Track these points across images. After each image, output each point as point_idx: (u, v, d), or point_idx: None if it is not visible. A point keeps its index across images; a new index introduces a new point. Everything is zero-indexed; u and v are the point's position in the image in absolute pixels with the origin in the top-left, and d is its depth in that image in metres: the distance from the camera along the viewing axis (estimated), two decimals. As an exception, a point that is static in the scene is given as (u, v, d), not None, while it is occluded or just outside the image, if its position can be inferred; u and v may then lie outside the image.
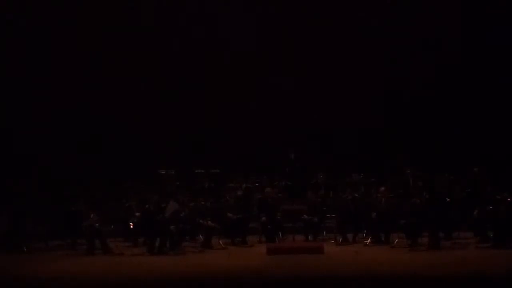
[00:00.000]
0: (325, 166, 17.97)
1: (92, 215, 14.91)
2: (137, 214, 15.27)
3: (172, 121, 19.62)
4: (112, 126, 19.35)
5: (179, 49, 19.80)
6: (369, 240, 15.21)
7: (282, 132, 19.39)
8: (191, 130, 19.63)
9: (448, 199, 15.26)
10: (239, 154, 18.90)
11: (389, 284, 11.84)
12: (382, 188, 15.69)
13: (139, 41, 19.70)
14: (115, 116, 19.38)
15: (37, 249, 15.23)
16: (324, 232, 16.05)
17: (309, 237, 15.68)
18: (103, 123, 19.39)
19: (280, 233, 15.82)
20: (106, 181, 17.49)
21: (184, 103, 19.69)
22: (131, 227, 15.46)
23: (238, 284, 12.10)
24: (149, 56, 19.61)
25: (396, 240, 14.92)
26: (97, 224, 14.82)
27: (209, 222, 15.27)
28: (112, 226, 15.66)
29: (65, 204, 15.74)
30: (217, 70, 19.69)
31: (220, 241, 15.25)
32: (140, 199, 15.74)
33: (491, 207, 14.82)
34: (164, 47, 19.82)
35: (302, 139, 19.10)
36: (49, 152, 18.55)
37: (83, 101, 19.35)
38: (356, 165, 18.12)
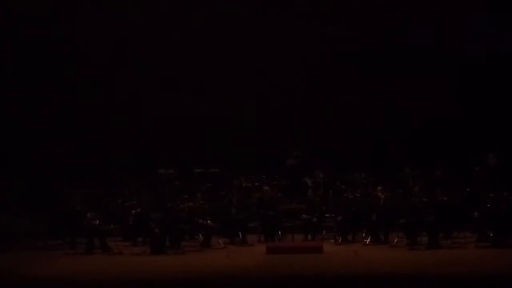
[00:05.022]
0: (325, 165, 17.94)
1: (91, 214, 14.91)
2: (133, 212, 15.33)
3: (172, 121, 19.60)
4: (111, 126, 19.32)
5: (176, 47, 19.72)
6: (368, 240, 15.22)
7: (282, 132, 19.37)
8: (191, 129, 19.61)
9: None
10: (239, 154, 18.88)
11: (389, 284, 11.82)
12: (380, 187, 15.70)
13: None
14: (114, 115, 19.37)
15: (37, 248, 15.22)
16: (324, 232, 16.02)
17: (309, 236, 15.67)
18: (102, 122, 19.38)
19: (279, 232, 15.83)
20: (106, 181, 17.48)
21: (183, 102, 19.68)
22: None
23: (237, 283, 12.09)
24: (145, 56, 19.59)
25: (396, 240, 14.92)
26: (96, 222, 14.83)
27: (208, 221, 15.28)
28: (112, 226, 15.66)
29: (64, 203, 15.72)
30: (217, 69, 19.65)
31: (219, 241, 15.25)
32: (138, 199, 15.75)
33: (491, 207, 14.81)
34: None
35: (302, 138, 19.07)
36: (48, 152, 18.52)
37: (82, 100, 19.35)
38: (356, 164, 18.09)
